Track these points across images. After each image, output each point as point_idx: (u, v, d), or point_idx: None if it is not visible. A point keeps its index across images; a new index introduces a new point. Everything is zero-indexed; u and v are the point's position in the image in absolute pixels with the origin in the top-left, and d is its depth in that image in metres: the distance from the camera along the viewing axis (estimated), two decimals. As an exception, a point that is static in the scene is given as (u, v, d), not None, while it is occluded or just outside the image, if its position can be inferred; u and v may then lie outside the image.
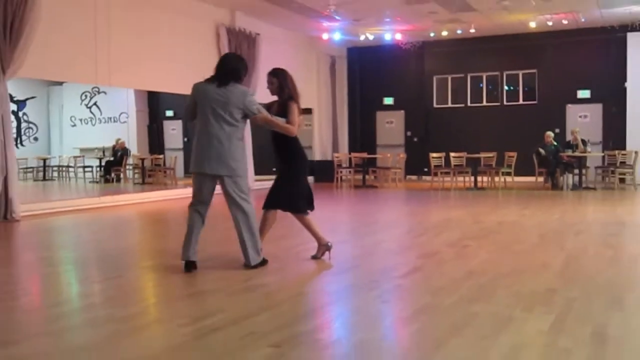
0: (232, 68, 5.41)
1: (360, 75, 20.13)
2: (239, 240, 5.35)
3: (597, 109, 17.37)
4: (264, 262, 5.49)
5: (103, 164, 18.98)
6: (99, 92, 21.21)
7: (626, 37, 16.13)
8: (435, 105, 19.31)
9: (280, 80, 5.81)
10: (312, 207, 5.93)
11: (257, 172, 15.70)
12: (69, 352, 3.39)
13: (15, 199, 9.59)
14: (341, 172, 17.44)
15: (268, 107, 5.77)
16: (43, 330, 3.84)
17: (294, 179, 5.78)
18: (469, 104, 18.88)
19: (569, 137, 15.53)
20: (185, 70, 12.00)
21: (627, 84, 16.24)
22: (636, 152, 14.80)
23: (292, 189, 5.74)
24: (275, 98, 5.85)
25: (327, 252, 5.95)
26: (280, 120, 5.53)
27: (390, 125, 20.06)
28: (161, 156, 18.52)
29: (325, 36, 17.31)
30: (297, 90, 5.80)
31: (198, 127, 5.31)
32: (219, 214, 6.78)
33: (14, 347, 3.46)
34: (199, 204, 5.35)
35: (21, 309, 4.45)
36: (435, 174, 15.88)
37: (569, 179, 14.98)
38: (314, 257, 5.92)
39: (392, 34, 17.25)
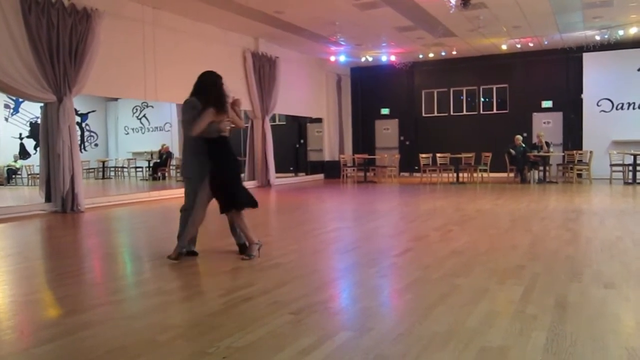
0: None
1: (361, 90, 20.07)
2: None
3: (558, 116, 17.25)
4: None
5: (151, 165, 19.06)
6: (147, 106, 21.29)
7: (582, 56, 16.00)
8: (423, 114, 19.22)
9: None
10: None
11: (277, 170, 15.76)
12: (126, 318, 3.42)
13: (80, 194, 9.66)
14: (346, 170, 17.43)
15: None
16: (105, 300, 3.88)
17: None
18: (451, 113, 18.78)
19: (534, 140, 15.47)
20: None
21: (583, 95, 16.12)
22: (591, 152, 14.70)
23: None
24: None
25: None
26: None
27: (387, 131, 19.99)
28: (198, 158, 18.55)
29: (332, 58, 17.27)
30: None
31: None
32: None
33: (82, 314, 3.50)
34: None
35: (87, 283, 4.50)
36: (424, 171, 15.85)
37: (535, 174, 14.92)
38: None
39: (387, 55, 17.20)
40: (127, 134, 22.10)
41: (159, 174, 18.22)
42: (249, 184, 14.82)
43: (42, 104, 9.72)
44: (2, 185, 17.31)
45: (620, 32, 14.07)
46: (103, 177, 20.11)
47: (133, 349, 2.86)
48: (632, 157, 13.78)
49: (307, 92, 17.60)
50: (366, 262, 4.97)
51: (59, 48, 9.18)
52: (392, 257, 5.18)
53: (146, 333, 3.10)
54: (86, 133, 21.50)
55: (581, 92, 16.17)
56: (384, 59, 17.41)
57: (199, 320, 3.33)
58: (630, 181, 13.80)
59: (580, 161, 14.97)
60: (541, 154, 14.60)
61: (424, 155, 15.92)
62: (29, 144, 19.08)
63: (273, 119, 17.80)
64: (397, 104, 19.50)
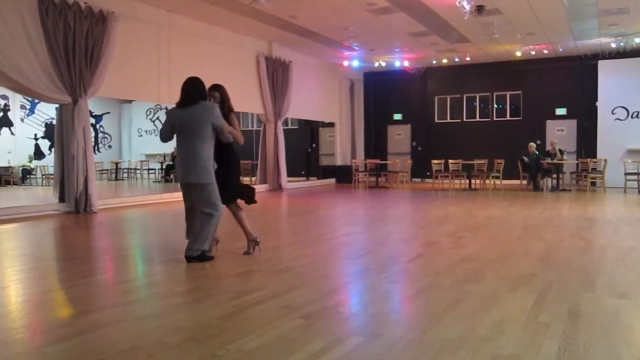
0: (196, 90, 5.04)
1: (374, 95, 20.09)
2: (194, 231, 5.03)
3: (572, 124, 17.13)
4: (206, 258, 5.05)
5: (164, 167, 19.18)
6: (161, 109, 21.43)
7: (597, 64, 15.89)
8: (436, 120, 19.18)
9: (221, 94, 5.31)
10: (252, 201, 5.45)
11: (289, 174, 15.79)
12: (138, 319, 3.43)
13: (93, 195, 9.75)
14: (358, 175, 17.42)
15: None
16: (117, 301, 3.90)
17: (231, 178, 5.30)
18: (464, 119, 18.72)
19: (548, 147, 15.36)
20: (231, 90, 12.18)
21: (597, 103, 16.00)
22: (605, 160, 14.57)
23: (230, 185, 5.24)
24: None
25: (256, 247, 5.37)
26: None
27: (399, 137, 19.96)
28: (211, 161, 18.63)
29: (345, 63, 17.32)
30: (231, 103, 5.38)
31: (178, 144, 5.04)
32: (259, 209, 6.79)
33: (94, 315, 3.52)
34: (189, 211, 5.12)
35: (99, 284, 4.52)
36: (436, 177, 15.80)
37: (548, 182, 14.81)
38: (246, 253, 5.32)
39: (400, 61, 17.18)
40: (141, 136, 22.26)
41: (172, 176, 18.32)
42: (260, 188, 14.87)
43: (57, 105, 9.83)
44: (17, 185, 17.52)
45: (636, 40, 13.95)
46: (116, 179, 20.26)
47: (143, 350, 2.86)
48: (647, 166, 13.64)
49: (319, 96, 17.63)
50: (377, 267, 4.95)
51: (75, 50, 9.29)
52: (403, 263, 5.16)
53: (156, 334, 3.11)
54: (100, 134, 21.68)
55: (596, 100, 16.05)
56: (397, 64, 17.40)
57: (210, 323, 3.33)
58: (645, 190, 13.65)
59: (594, 169, 14.85)
60: (554, 161, 14.50)
61: (436, 161, 15.88)
62: (44, 144, 19.29)
63: (285, 122, 17.82)
64: (409, 109, 19.48)
